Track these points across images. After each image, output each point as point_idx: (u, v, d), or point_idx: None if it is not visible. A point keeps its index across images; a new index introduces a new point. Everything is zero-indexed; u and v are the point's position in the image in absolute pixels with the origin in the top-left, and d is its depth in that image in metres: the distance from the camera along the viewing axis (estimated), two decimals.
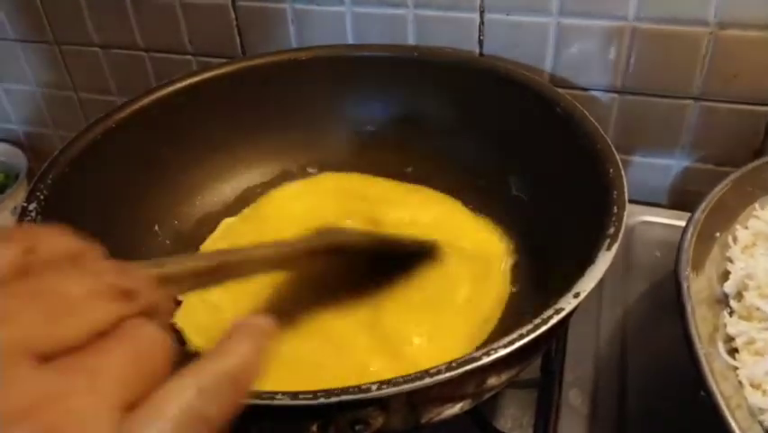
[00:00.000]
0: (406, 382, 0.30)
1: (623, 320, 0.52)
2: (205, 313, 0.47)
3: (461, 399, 0.35)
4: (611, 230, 0.37)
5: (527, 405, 0.48)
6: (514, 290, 0.48)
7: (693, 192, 0.60)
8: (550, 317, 0.32)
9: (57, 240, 0.22)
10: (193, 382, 0.20)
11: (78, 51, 0.75)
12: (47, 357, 0.18)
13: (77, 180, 0.47)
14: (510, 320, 0.46)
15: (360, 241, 0.46)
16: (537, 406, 0.47)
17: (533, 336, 0.31)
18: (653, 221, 0.60)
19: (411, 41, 0.61)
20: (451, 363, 0.30)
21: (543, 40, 0.58)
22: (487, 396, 0.37)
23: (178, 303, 0.47)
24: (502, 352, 0.30)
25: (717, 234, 0.45)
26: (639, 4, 0.53)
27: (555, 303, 0.33)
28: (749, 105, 0.55)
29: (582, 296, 0.33)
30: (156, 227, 0.53)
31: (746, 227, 0.46)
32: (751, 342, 0.39)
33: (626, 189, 0.40)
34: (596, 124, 0.46)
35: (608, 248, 0.36)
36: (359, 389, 0.29)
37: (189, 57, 0.71)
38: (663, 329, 0.50)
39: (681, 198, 0.62)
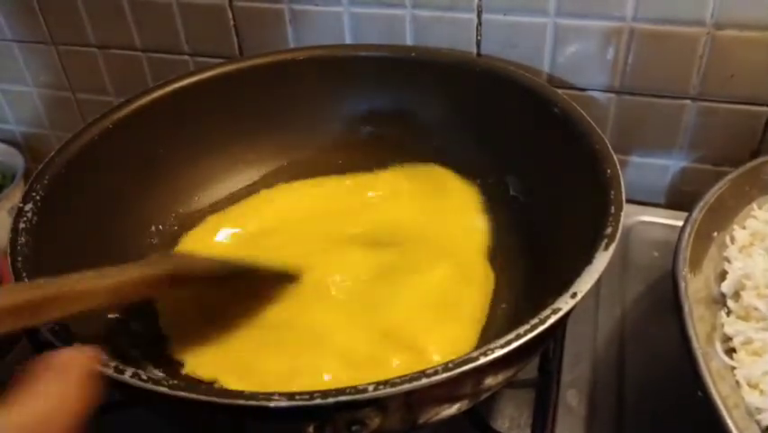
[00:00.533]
0: (402, 382, 0.29)
1: (621, 320, 0.52)
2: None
3: (459, 399, 0.34)
4: (609, 230, 0.37)
5: (525, 405, 0.48)
6: (511, 290, 0.48)
7: (691, 192, 0.60)
8: (547, 317, 0.32)
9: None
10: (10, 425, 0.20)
11: (76, 52, 0.75)
12: None
13: (74, 181, 0.46)
14: (507, 320, 0.46)
15: (201, 272, 0.44)
16: (535, 406, 0.47)
17: (530, 336, 0.31)
18: (651, 221, 0.60)
19: (409, 41, 0.61)
20: (448, 363, 0.30)
21: (540, 40, 0.58)
22: (484, 396, 0.37)
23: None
24: (499, 352, 0.30)
25: (715, 234, 0.45)
26: (636, 5, 0.53)
27: (553, 303, 0.33)
28: (746, 105, 0.55)
29: (580, 296, 0.33)
30: (153, 227, 0.53)
31: (744, 227, 0.46)
32: (748, 342, 0.39)
33: (623, 189, 0.40)
34: (593, 124, 0.46)
35: (606, 248, 0.36)
36: (355, 389, 0.29)
37: (186, 57, 0.71)
38: (661, 329, 0.50)
39: (679, 199, 0.62)
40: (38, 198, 0.43)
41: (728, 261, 0.44)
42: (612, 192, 0.40)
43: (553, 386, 0.46)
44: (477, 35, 0.59)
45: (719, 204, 0.46)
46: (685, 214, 0.45)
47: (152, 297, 0.41)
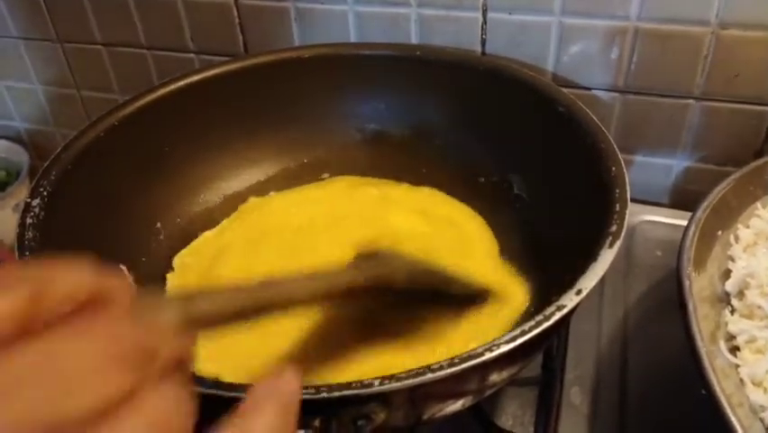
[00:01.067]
0: (408, 377, 0.30)
1: (624, 319, 0.52)
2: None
3: (463, 395, 0.35)
4: (613, 228, 0.37)
5: (528, 403, 0.48)
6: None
7: (694, 192, 0.60)
8: (552, 314, 0.32)
9: (70, 280, 0.19)
10: None
11: (81, 49, 0.75)
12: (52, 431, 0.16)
13: (80, 177, 0.47)
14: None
15: (407, 278, 0.40)
16: (538, 404, 0.47)
17: (535, 332, 0.31)
18: (655, 220, 0.60)
19: (414, 39, 0.62)
20: (453, 358, 0.30)
21: (545, 39, 0.58)
22: (488, 393, 0.37)
23: None
24: (504, 348, 0.31)
25: (719, 233, 0.45)
26: (641, 4, 0.53)
27: (557, 300, 0.33)
28: (750, 104, 0.55)
29: (584, 293, 0.33)
30: (158, 224, 0.53)
31: (748, 226, 0.46)
32: (752, 340, 0.39)
33: (628, 188, 0.40)
34: (598, 122, 0.46)
35: (611, 246, 0.36)
36: (361, 384, 0.29)
37: (192, 55, 0.71)
38: (665, 328, 0.50)
39: (683, 198, 0.62)
40: (45, 193, 0.43)
41: (732, 260, 0.44)
42: (617, 190, 0.40)
43: (557, 384, 0.46)
44: (482, 34, 0.59)
45: (723, 203, 0.46)
46: (689, 213, 0.45)
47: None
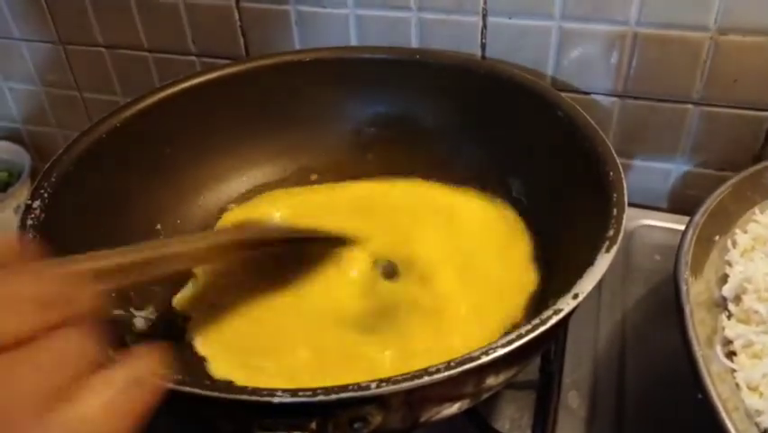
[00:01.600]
0: (404, 380, 0.30)
1: (622, 323, 0.52)
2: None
3: (460, 398, 0.35)
4: (611, 232, 0.37)
5: (526, 406, 0.48)
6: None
7: (693, 196, 0.60)
8: (549, 318, 0.32)
9: None
10: (117, 378, 0.21)
11: (83, 51, 0.75)
12: None
13: (81, 179, 0.47)
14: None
15: (273, 233, 0.49)
16: (536, 408, 0.47)
17: (532, 336, 0.32)
18: (653, 225, 0.60)
19: (414, 43, 0.62)
20: (449, 362, 0.30)
21: (545, 43, 0.58)
22: (485, 396, 0.37)
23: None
24: (501, 351, 0.31)
25: (717, 238, 0.46)
26: (641, 9, 0.54)
27: (554, 304, 0.34)
28: (749, 110, 0.56)
29: (581, 297, 0.34)
30: (158, 226, 0.53)
31: (746, 231, 0.47)
32: (749, 345, 0.39)
33: (625, 192, 0.40)
34: (596, 127, 0.46)
35: (608, 250, 0.36)
36: (358, 386, 0.29)
37: (193, 58, 0.71)
38: (662, 332, 0.50)
39: (681, 203, 0.63)
40: (46, 195, 0.43)
41: (730, 264, 0.45)
42: (615, 195, 0.40)
43: (554, 387, 0.47)
44: (482, 38, 0.60)
45: (721, 208, 0.46)
46: (687, 218, 0.45)
47: (224, 261, 0.45)
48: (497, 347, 0.31)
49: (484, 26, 0.59)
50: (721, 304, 0.43)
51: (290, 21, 0.64)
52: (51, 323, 0.20)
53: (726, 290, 0.43)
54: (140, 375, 0.22)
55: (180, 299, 0.50)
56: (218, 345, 0.45)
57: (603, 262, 0.35)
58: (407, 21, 0.61)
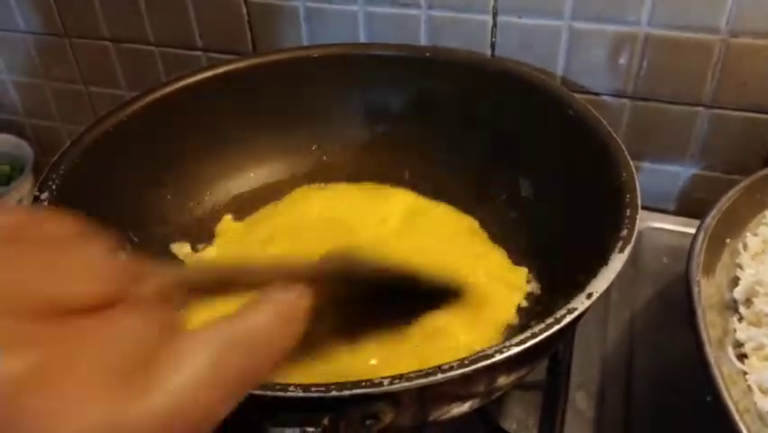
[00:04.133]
0: (418, 377, 0.30)
1: (630, 324, 0.52)
2: None
3: (471, 397, 0.35)
4: (624, 232, 0.37)
5: (533, 407, 0.48)
6: (526, 290, 0.48)
7: (701, 199, 0.60)
8: (563, 317, 0.32)
9: (64, 222, 0.20)
10: (215, 337, 0.18)
11: (89, 45, 0.75)
12: (40, 312, 0.16)
13: (89, 172, 0.47)
14: (521, 321, 0.46)
15: (371, 275, 0.39)
16: (543, 408, 0.47)
17: (545, 334, 0.31)
18: (662, 227, 0.60)
19: (423, 41, 0.62)
20: (463, 359, 0.30)
21: (555, 43, 0.58)
22: (496, 395, 0.37)
23: None
24: (515, 350, 0.30)
25: (728, 241, 0.45)
26: (652, 10, 0.53)
27: (568, 303, 0.33)
28: (759, 113, 0.55)
29: (595, 296, 0.33)
30: (166, 219, 0.53)
31: (756, 234, 0.46)
32: (760, 347, 0.39)
33: (638, 193, 0.40)
34: (608, 127, 0.46)
35: (621, 250, 0.36)
36: (371, 383, 0.29)
37: (199, 53, 0.71)
38: (671, 334, 0.50)
39: (689, 205, 0.62)
40: (54, 187, 0.43)
41: (741, 267, 0.44)
42: (628, 195, 0.40)
43: (562, 388, 0.46)
44: (492, 37, 0.59)
45: (732, 211, 0.46)
46: (696, 221, 0.45)
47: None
48: (510, 346, 0.31)
49: (494, 25, 0.58)
50: (732, 307, 0.43)
51: (299, 16, 0.64)
52: (142, 296, 0.19)
53: (738, 293, 0.43)
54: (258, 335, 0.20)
55: None
56: None
57: (617, 261, 0.35)
58: (417, 18, 0.60)
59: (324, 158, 0.61)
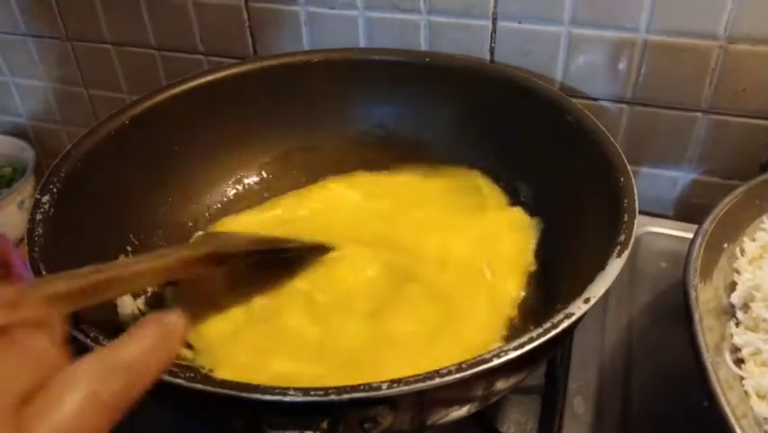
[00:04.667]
0: (416, 381, 0.30)
1: (628, 329, 0.52)
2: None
3: (469, 401, 0.35)
4: (622, 237, 0.37)
5: (531, 411, 0.48)
6: (522, 294, 0.48)
7: (699, 204, 0.61)
8: (560, 322, 0.32)
9: None
10: (93, 369, 0.21)
11: (90, 48, 0.75)
12: None
13: (90, 174, 0.47)
14: (517, 326, 0.46)
15: (243, 248, 0.48)
16: (541, 412, 0.47)
17: (543, 339, 0.31)
18: (659, 232, 0.60)
19: (423, 46, 0.62)
20: (461, 364, 0.30)
21: (554, 49, 0.58)
22: (493, 399, 0.37)
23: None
24: (513, 354, 0.31)
25: (725, 246, 0.46)
26: (650, 17, 0.54)
27: (565, 308, 0.34)
28: (757, 119, 0.56)
29: (593, 301, 0.33)
30: (166, 222, 0.53)
31: (754, 240, 0.47)
32: (757, 352, 0.39)
33: (636, 198, 0.40)
34: (607, 133, 0.46)
35: (619, 255, 0.36)
36: (369, 387, 0.29)
37: (201, 56, 0.71)
38: (668, 339, 0.50)
39: (687, 210, 0.63)
40: (54, 190, 0.43)
41: (738, 272, 0.45)
42: (625, 200, 0.40)
43: (560, 393, 0.46)
44: (491, 42, 0.60)
45: (730, 216, 0.46)
46: (694, 226, 0.45)
47: (196, 274, 0.43)
48: (508, 350, 0.31)
49: (494, 30, 0.59)
50: (729, 311, 0.43)
51: (299, 21, 0.64)
52: (17, 321, 0.21)
53: (735, 298, 0.43)
54: (130, 362, 0.22)
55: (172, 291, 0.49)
56: (206, 341, 0.45)
57: (614, 266, 0.35)
58: (417, 24, 0.61)
59: (322, 160, 0.61)
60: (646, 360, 0.50)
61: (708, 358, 0.36)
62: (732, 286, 0.44)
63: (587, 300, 0.33)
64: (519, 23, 0.58)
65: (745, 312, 0.42)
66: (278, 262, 0.49)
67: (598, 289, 0.34)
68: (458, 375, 0.30)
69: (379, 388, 0.29)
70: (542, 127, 0.52)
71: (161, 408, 0.34)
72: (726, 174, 0.60)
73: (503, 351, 0.31)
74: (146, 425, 0.43)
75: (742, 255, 0.46)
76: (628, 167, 0.43)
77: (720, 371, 0.37)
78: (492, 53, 0.60)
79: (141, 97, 0.53)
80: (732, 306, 0.43)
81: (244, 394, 0.29)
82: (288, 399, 0.29)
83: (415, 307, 0.46)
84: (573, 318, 0.32)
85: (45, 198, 0.42)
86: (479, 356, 0.31)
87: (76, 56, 0.77)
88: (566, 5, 0.55)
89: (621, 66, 0.57)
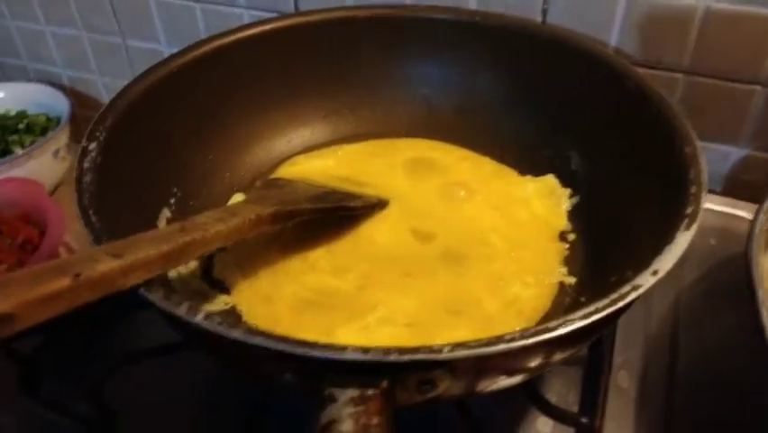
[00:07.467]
0: (479, 345, 0.29)
1: (675, 305, 0.51)
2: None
3: (525, 370, 0.34)
4: (690, 209, 0.36)
5: (572, 382, 0.47)
6: (572, 268, 0.47)
7: (749, 181, 0.59)
8: (627, 294, 0.31)
9: None
10: None
11: None
12: None
13: (135, 123, 0.46)
14: (565, 302, 0.45)
15: (310, 206, 0.47)
16: (583, 385, 0.47)
17: (609, 310, 0.31)
18: (708, 207, 0.58)
19: (473, 5, 0.60)
20: (525, 330, 0.29)
21: (610, 13, 0.56)
22: (547, 369, 0.36)
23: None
24: (579, 324, 0.30)
25: None
26: None
27: (626, 280, 0.32)
28: None
29: (660, 274, 0.32)
30: (206, 177, 0.53)
31: None
32: None
33: (704, 169, 0.39)
34: (669, 100, 0.44)
35: (687, 228, 0.35)
36: (430, 349, 0.29)
37: (241, 10, 0.69)
38: (716, 316, 0.49)
39: (736, 187, 0.61)
40: (101, 138, 0.43)
41: None
42: (692, 171, 0.38)
43: (606, 366, 0.46)
44: (543, 3, 0.57)
45: None
46: (743, 202, 0.44)
47: (263, 232, 0.42)
48: (575, 319, 0.30)
49: None
50: None
51: None
52: None
53: None
54: None
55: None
56: (252, 297, 0.45)
57: (683, 239, 0.34)
58: None
59: (365, 121, 0.60)
60: (693, 336, 0.49)
61: None
62: None
63: (655, 273, 0.32)
64: None
65: None
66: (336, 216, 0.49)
67: (666, 262, 0.33)
68: (521, 342, 0.29)
69: (440, 351, 0.29)
70: (597, 93, 0.50)
71: (214, 362, 0.34)
72: None
73: (569, 320, 0.30)
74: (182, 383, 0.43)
75: None
76: (695, 136, 0.41)
77: None
78: (544, 15, 0.58)
79: (186, 48, 0.52)
80: None
81: (302, 351, 0.28)
82: (347, 357, 0.28)
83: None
84: (641, 291, 0.31)
85: (92, 147, 0.42)
86: (543, 325, 0.30)
87: (113, 6, 0.76)
88: None
89: (680, 34, 0.55)
